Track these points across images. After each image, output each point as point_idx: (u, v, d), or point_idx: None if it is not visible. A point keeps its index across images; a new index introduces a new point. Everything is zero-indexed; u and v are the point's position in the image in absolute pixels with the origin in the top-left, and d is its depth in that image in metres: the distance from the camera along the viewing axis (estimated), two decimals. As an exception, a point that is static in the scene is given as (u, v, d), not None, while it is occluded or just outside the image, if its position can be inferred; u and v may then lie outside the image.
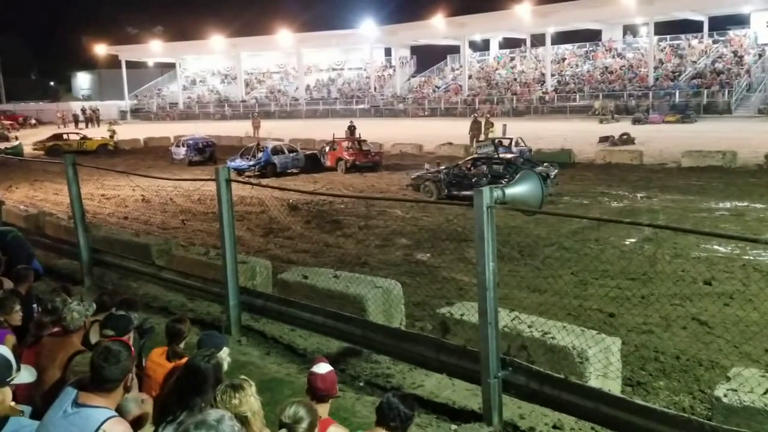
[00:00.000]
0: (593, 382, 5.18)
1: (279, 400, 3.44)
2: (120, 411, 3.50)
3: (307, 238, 13.45)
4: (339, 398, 3.92)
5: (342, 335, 6.43)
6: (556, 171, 18.34)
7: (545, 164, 18.84)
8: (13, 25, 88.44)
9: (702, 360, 6.55)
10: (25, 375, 3.90)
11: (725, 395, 4.43)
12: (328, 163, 25.07)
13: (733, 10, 52.22)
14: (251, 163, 24.12)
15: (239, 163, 24.12)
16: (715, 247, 11.20)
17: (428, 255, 11.64)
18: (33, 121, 62.66)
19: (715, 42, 54.74)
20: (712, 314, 7.83)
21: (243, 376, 3.35)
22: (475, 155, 19.90)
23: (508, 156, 19.72)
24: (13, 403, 4.10)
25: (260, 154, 24.33)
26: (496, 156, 18.54)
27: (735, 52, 51.64)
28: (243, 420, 3.06)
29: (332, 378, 3.69)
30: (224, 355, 4.14)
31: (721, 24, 55.74)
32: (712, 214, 14.56)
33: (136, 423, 3.64)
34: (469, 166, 18.62)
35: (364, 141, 26.61)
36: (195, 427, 2.54)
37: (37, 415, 3.93)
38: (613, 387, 5.37)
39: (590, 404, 4.56)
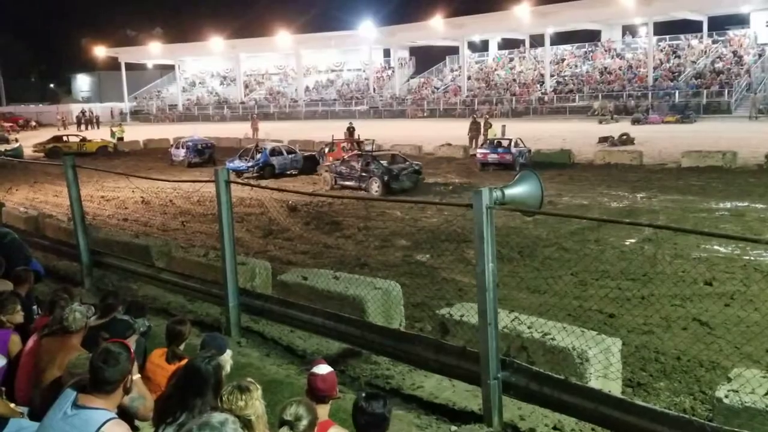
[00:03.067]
0: (593, 383, 5.17)
1: (279, 401, 3.43)
2: (127, 411, 3.51)
3: (307, 239, 13.44)
4: (339, 399, 3.91)
5: (341, 336, 6.42)
6: (420, 167, 20.91)
7: (408, 162, 20.99)
8: (13, 28, 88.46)
9: (703, 361, 6.54)
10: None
11: (726, 396, 4.42)
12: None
13: (732, 9, 52.28)
14: (249, 164, 24.16)
15: (238, 164, 24.15)
16: (716, 247, 11.18)
17: (427, 256, 11.63)
18: (33, 123, 62.75)
19: (714, 42, 54.80)
20: (713, 315, 7.82)
21: (250, 379, 3.35)
22: (359, 151, 22.80)
23: (387, 153, 22.39)
24: (12, 405, 4.11)
25: (258, 156, 24.35)
26: (370, 153, 21.25)
27: (735, 52, 51.70)
28: (246, 423, 3.06)
29: (332, 379, 3.69)
30: (227, 357, 4.14)
31: (720, 24, 55.82)
32: (712, 214, 14.55)
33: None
34: (353, 160, 21.08)
35: (363, 142, 26.60)
36: (199, 428, 2.55)
37: (36, 416, 3.93)
38: (614, 388, 5.36)
39: (590, 405, 4.55)
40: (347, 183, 20.61)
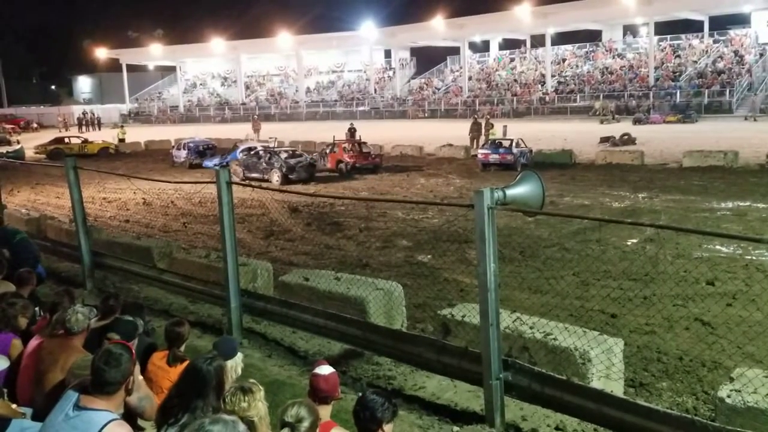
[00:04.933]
0: (596, 384, 5.16)
1: (281, 402, 3.43)
2: (134, 411, 3.51)
3: (308, 240, 13.44)
4: (341, 400, 3.91)
5: (343, 337, 6.42)
6: (314, 160, 24.06)
7: (304, 156, 23.85)
8: (15, 30, 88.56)
9: (705, 361, 6.53)
10: (2, 362, 3.97)
11: (728, 396, 4.42)
12: (329, 165, 25.10)
13: (733, 9, 52.24)
14: (219, 161, 25.65)
15: (214, 161, 25.93)
16: (718, 247, 11.17)
17: (429, 256, 11.62)
18: (34, 125, 62.79)
19: (715, 42, 54.76)
20: (715, 315, 7.81)
21: (252, 380, 3.35)
22: (265, 147, 26.48)
23: (288, 149, 25.67)
24: (14, 406, 4.11)
25: (228, 155, 26.25)
26: (272, 149, 24.97)
27: (736, 52, 51.65)
28: (249, 424, 3.06)
29: (334, 379, 3.70)
30: (238, 360, 4.15)
31: (721, 23, 55.77)
32: (713, 214, 14.54)
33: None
34: (258, 154, 24.14)
35: (364, 143, 26.61)
36: (211, 422, 2.55)
37: (38, 417, 3.93)
38: (616, 388, 5.35)
39: (593, 405, 4.55)
40: (253, 174, 23.10)
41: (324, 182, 22.90)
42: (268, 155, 23.78)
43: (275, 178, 22.61)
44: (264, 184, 20.79)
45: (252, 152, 24.97)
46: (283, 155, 23.55)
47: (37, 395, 4.26)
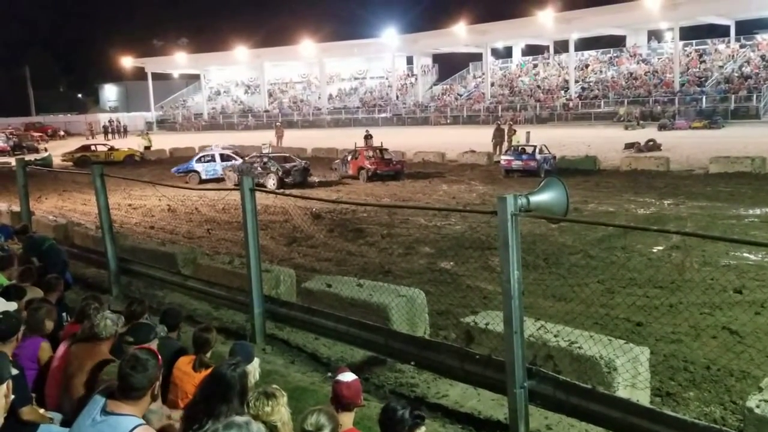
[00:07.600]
0: (621, 393, 5.10)
1: (303, 408, 3.44)
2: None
3: (330, 246, 13.48)
4: (363, 407, 3.91)
5: (366, 344, 6.42)
6: (308, 164, 24.95)
7: (298, 161, 24.82)
8: (42, 39, 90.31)
9: (733, 370, 6.43)
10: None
11: (757, 406, 4.34)
12: (350, 172, 25.18)
13: (760, 13, 51.35)
14: (177, 168, 27.76)
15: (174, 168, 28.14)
16: (745, 254, 11.00)
17: (452, 263, 11.59)
18: (61, 133, 63.83)
19: (742, 46, 53.92)
20: (743, 323, 7.68)
21: (275, 386, 3.36)
22: (258, 153, 27.10)
23: (281, 155, 26.41)
24: (42, 410, 4.17)
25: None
26: (266, 155, 25.86)
27: (763, 56, 50.83)
28: (272, 429, 3.07)
29: (357, 386, 3.70)
30: (255, 365, 4.16)
31: (747, 28, 54.89)
32: (741, 221, 14.31)
33: None
34: (254, 160, 25.04)
35: (386, 149, 26.65)
36: (225, 427, 2.56)
37: (65, 422, 3.98)
38: (642, 397, 5.29)
39: (618, 415, 4.49)
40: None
41: (346, 189, 22.98)
42: (263, 161, 24.58)
43: (271, 182, 23.20)
44: (287, 191, 20.93)
45: (248, 159, 25.91)
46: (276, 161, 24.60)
47: (64, 400, 4.32)
